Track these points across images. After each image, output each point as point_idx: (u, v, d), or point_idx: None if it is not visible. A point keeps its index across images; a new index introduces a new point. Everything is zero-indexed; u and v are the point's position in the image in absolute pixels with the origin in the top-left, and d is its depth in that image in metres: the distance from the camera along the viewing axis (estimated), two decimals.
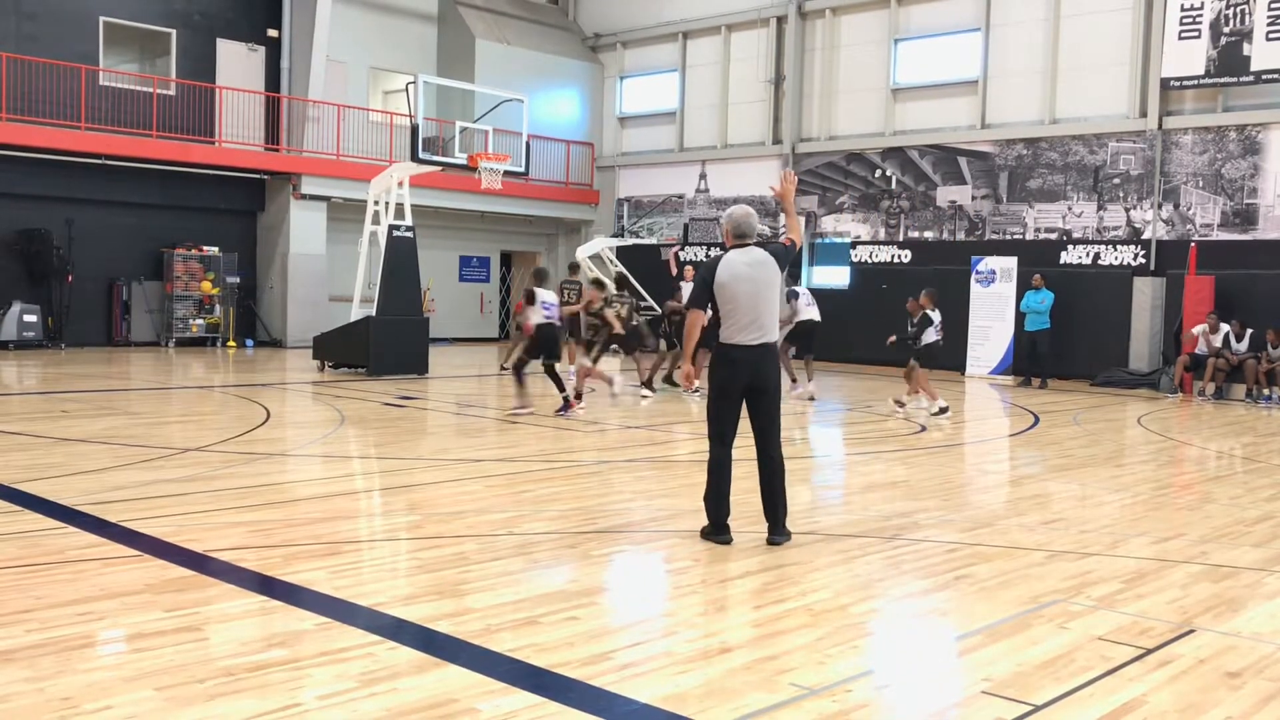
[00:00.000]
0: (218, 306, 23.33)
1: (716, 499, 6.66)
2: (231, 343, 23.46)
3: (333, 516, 7.36)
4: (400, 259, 17.71)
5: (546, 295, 12.99)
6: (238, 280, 23.48)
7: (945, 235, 22.79)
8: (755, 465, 6.74)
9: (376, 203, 18.36)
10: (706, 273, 6.64)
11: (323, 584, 5.57)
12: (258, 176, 23.84)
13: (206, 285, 23.05)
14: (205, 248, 23.19)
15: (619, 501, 8.21)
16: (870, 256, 23.78)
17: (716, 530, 6.66)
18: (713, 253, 24.73)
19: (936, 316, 14.05)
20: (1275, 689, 4.46)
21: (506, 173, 19.08)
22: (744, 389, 6.59)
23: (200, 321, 23.20)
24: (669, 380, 15.96)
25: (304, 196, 23.62)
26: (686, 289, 16.41)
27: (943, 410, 13.81)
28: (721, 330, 6.63)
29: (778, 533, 6.65)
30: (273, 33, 24.35)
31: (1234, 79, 18.96)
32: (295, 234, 23.66)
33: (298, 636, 4.78)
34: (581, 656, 4.59)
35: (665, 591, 5.86)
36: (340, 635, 4.78)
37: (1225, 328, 17.81)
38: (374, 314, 17.48)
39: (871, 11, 23.85)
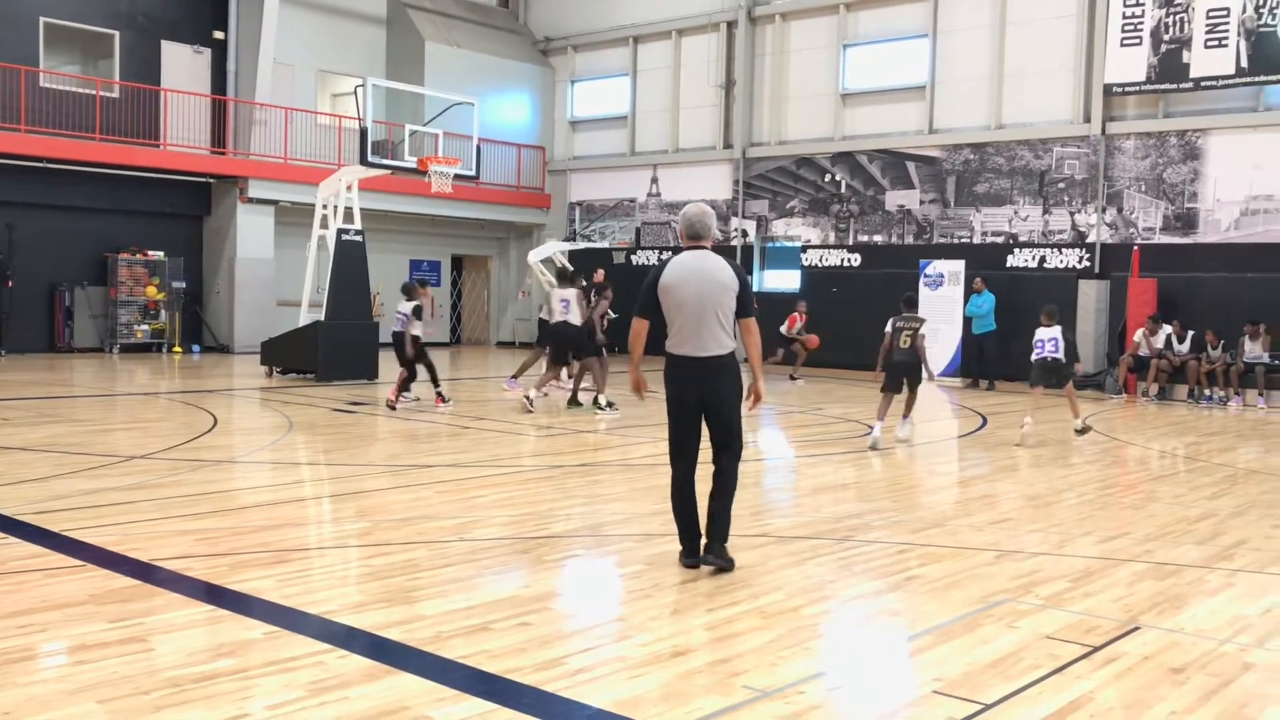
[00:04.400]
0: (163, 312, 23.01)
1: (682, 520, 6.20)
2: (178, 348, 23.13)
3: (281, 524, 7.28)
4: (349, 263, 17.58)
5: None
6: (184, 285, 23.16)
7: (894, 239, 23.00)
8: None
9: (325, 206, 18.20)
10: (654, 275, 6.14)
11: (271, 592, 5.51)
12: (204, 180, 23.53)
13: (151, 290, 22.72)
14: (150, 252, 22.85)
15: (572, 506, 8.19)
16: (821, 260, 23.93)
17: (685, 553, 6.20)
18: (665, 257, 24.78)
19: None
20: (1217, 684, 4.54)
21: (457, 176, 18.96)
22: (695, 403, 6.12)
23: (145, 327, 22.86)
24: (595, 402, 13.95)
25: (251, 200, 23.36)
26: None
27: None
28: (667, 340, 6.12)
29: (710, 552, 6.06)
30: (218, 35, 24.06)
31: (1174, 85, 19.31)
32: (242, 238, 23.39)
33: (246, 646, 4.72)
34: (534, 662, 4.57)
35: (618, 596, 5.84)
36: (289, 644, 4.73)
37: (1167, 329, 18.14)
38: (323, 319, 17.32)
39: (821, 17, 24.02)
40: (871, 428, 11.81)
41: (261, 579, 5.75)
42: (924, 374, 12.20)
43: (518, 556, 6.50)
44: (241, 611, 5.20)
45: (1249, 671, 4.72)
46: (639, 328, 6.20)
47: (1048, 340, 12.44)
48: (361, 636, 4.87)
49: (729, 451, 6.18)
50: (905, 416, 12.21)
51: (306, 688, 4.19)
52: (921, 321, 12.02)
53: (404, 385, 14.06)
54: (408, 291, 14.45)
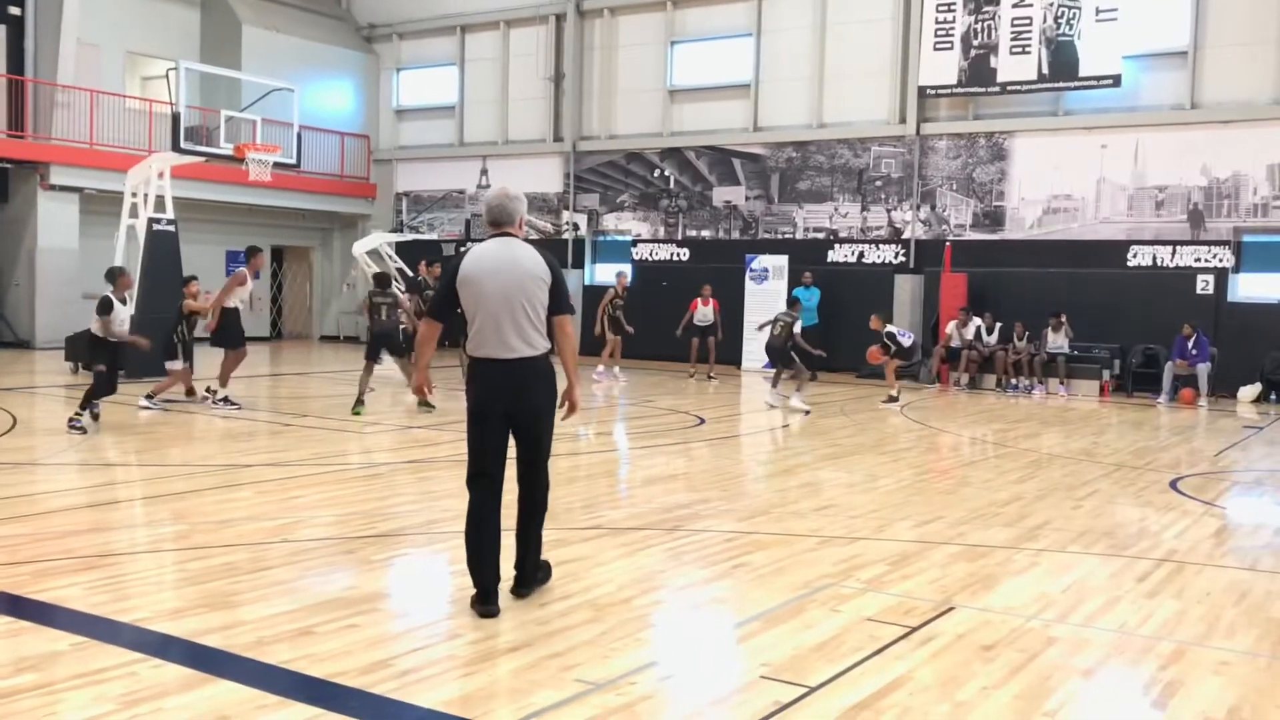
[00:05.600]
0: None
1: (476, 558, 5.24)
2: None
3: (89, 529, 6.90)
4: (161, 254, 16.79)
5: None
6: None
7: (721, 234, 23.42)
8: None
9: (135, 194, 17.35)
10: (451, 270, 5.29)
11: (78, 601, 5.22)
12: None
13: None
14: None
15: (399, 504, 8.05)
16: (651, 254, 24.17)
17: (479, 598, 5.22)
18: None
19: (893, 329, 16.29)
20: (1024, 659, 4.79)
21: (276, 164, 18.34)
22: (502, 414, 5.26)
23: None
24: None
25: (53, 187, 22.05)
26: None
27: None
28: (469, 340, 5.31)
29: (523, 584, 5.48)
30: (14, 10, 22.58)
31: (982, 89, 20.27)
32: (44, 227, 22.06)
33: (50, 659, 4.46)
34: (360, 665, 4.47)
35: (448, 594, 5.76)
36: (99, 655, 4.49)
37: (977, 322, 19.05)
38: (133, 312, 16.47)
39: (648, 13, 24.22)
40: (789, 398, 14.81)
41: (67, 587, 5.44)
42: (795, 358, 14.89)
43: (343, 557, 6.34)
44: (45, 622, 4.91)
45: (1052, 645, 5.01)
46: (428, 332, 5.49)
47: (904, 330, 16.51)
48: (178, 644, 4.67)
49: (539, 472, 5.40)
50: (798, 390, 14.88)
51: (118, 700, 3.99)
52: (794, 319, 15.01)
53: (91, 397, 11.07)
54: (110, 278, 11.78)
